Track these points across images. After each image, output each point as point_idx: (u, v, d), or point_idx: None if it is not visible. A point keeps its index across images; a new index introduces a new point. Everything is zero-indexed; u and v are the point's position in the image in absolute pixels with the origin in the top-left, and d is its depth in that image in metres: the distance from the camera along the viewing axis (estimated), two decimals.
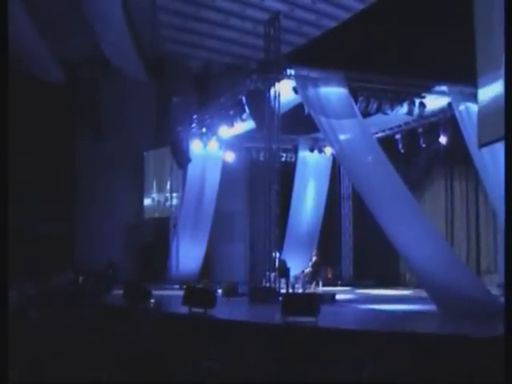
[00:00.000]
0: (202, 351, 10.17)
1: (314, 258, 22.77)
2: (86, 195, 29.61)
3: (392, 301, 20.11)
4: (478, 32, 14.53)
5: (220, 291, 20.43)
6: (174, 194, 27.70)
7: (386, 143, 21.99)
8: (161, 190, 29.00)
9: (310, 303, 14.32)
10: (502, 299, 17.39)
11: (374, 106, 20.22)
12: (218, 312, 15.55)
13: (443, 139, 22.79)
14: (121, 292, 19.04)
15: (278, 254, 20.40)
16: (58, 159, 28.67)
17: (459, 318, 14.32)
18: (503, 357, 7.35)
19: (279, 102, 20.04)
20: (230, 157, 26.83)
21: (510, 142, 8.20)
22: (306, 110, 19.60)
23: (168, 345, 11.25)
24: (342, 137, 19.00)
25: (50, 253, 25.63)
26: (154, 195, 29.46)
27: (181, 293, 17.73)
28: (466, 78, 17.49)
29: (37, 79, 26.63)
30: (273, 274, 19.94)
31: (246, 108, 20.93)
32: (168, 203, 28.13)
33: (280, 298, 17.04)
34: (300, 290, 21.17)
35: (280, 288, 19.75)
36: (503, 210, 19.69)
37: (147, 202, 29.89)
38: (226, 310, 17.15)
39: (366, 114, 20.09)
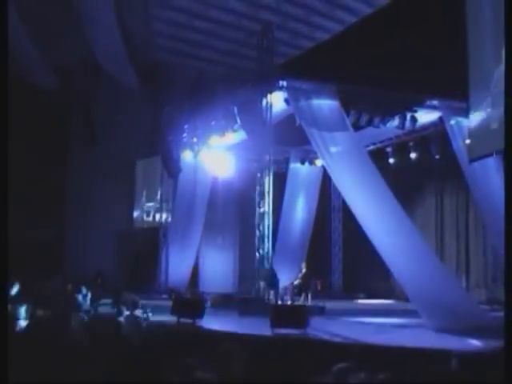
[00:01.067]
0: (192, 362, 10.12)
1: (303, 270, 22.74)
2: (77, 203, 29.50)
3: (382, 313, 20.12)
4: (471, 50, 14.62)
5: (209, 302, 20.40)
6: (164, 204, 27.63)
7: (377, 156, 22.04)
8: (151, 199, 28.93)
9: (299, 315, 14.33)
10: (491, 314, 17.52)
11: (365, 119, 20.29)
12: (207, 323, 15.52)
13: (434, 153, 22.87)
14: (109, 301, 18.99)
15: (267, 266, 20.40)
16: (49, 165, 28.56)
17: (448, 332, 14.34)
18: (503, 367, 7.34)
19: (271, 112, 20.07)
20: (220, 167, 26.79)
21: (510, 148, 8.22)
22: (298, 122, 19.64)
23: (156, 355, 11.19)
24: (332, 149, 19.04)
25: (39, 260, 25.49)
26: (145, 204, 29.38)
27: (169, 303, 17.69)
28: (457, 93, 17.57)
29: (29, 84, 26.56)
30: (262, 286, 19.93)
31: (238, 118, 20.97)
32: (158, 213, 28.07)
33: (269, 310, 17.06)
34: (289, 302, 21.13)
35: (269, 299, 19.73)
36: (493, 225, 19.89)
37: (137, 211, 29.81)
38: (215, 320, 17.11)
39: (357, 126, 20.16)
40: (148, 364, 10.34)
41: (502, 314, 17.85)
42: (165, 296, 23.50)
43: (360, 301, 24.51)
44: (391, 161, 24.60)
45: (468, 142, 16.06)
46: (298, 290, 22.03)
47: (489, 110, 13.72)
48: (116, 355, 10.63)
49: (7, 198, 7.78)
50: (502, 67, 13.08)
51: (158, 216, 28.02)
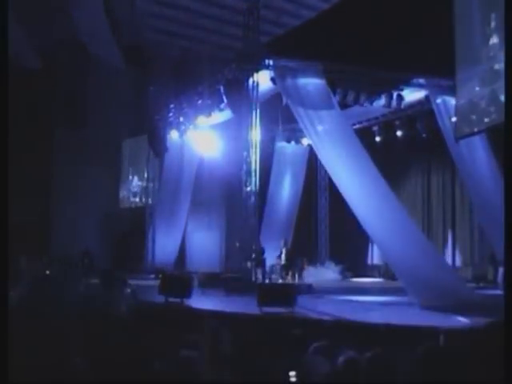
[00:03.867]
0: (180, 340, 10.13)
1: (283, 249, 22.73)
2: (63, 184, 29.37)
3: (368, 291, 20.19)
4: (458, 29, 14.62)
5: (196, 281, 20.39)
6: (151, 184, 27.56)
7: (364, 135, 22.02)
8: (138, 178, 28.84)
9: (287, 294, 14.34)
10: (478, 291, 17.63)
11: (352, 98, 20.33)
12: (195, 302, 15.51)
13: (420, 131, 22.91)
14: (96, 281, 18.95)
15: (254, 244, 20.43)
16: (34, 146, 28.37)
17: (435, 309, 14.39)
18: (504, 358, 7.35)
19: (257, 91, 20.02)
20: (207, 146, 26.77)
21: (510, 146, 8.22)
22: (284, 101, 19.63)
23: (144, 333, 11.20)
24: (319, 127, 19.03)
25: (25, 241, 25.38)
26: (131, 184, 29.30)
27: (156, 282, 17.68)
28: (444, 71, 17.59)
29: (13, 66, 26.29)
30: (249, 264, 19.95)
31: (224, 97, 20.91)
32: (144, 192, 27.99)
33: (256, 288, 17.09)
34: (277, 281, 21.15)
35: (256, 278, 19.76)
36: (480, 202, 19.99)
37: (124, 191, 29.73)
38: (203, 299, 17.10)
39: (343, 105, 20.17)
40: (136, 343, 10.36)
41: (488, 291, 18.08)
42: (152, 276, 23.50)
43: (347, 279, 24.54)
44: (378, 139, 24.63)
45: (454, 120, 16.10)
46: (285, 269, 22.08)
47: (477, 88, 13.74)
48: (104, 334, 10.64)
49: (7, 198, 7.75)
50: (491, 43, 13.12)
51: (144, 196, 27.94)
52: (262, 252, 20.74)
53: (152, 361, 9.55)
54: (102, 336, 10.68)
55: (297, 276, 22.04)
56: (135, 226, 28.14)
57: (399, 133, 23.77)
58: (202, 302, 16.31)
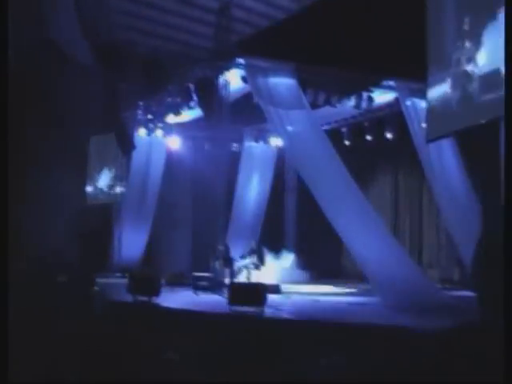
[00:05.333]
0: (150, 339, 10.12)
1: (253, 248, 22.71)
2: (29, 182, 29.04)
3: (336, 293, 20.27)
4: (430, 31, 14.69)
5: (163, 280, 20.33)
6: (118, 181, 27.37)
7: (333, 136, 22.00)
8: (104, 176, 28.62)
9: (257, 293, 14.32)
10: (445, 293, 17.77)
11: (322, 98, 20.35)
12: (163, 300, 15.46)
13: (389, 134, 23.02)
14: (64, 279, 18.82)
15: (221, 244, 20.43)
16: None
17: (403, 310, 14.46)
18: (503, 359, 7.40)
19: (228, 90, 20.00)
20: (175, 144, 26.81)
21: (510, 148, 8.28)
22: (255, 100, 19.63)
23: (112, 331, 11.15)
24: (290, 128, 19.05)
25: None
26: (97, 182, 29.07)
27: (123, 281, 17.58)
28: (414, 74, 17.67)
29: None
30: (217, 263, 19.93)
31: (194, 96, 20.86)
32: (112, 190, 27.79)
33: (224, 288, 17.09)
34: (243, 280, 21.10)
35: (224, 277, 19.74)
36: (447, 206, 20.16)
37: (90, 188, 29.47)
38: (171, 298, 17.05)
39: (314, 105, 20.19)
40: (104, 341, 10.29)
41: (454, 293, 18.26)
42: (118, 274, 23.40)
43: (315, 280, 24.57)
44: (346, 142, 24.72)
45: (425, 122, 16.18)
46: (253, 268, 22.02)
47: (448, 90, 13.80)
48: (72, 331, 10.57)
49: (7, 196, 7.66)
50: (464, 47, 13.20)
51: (111, 193, 27.73)
52: (228, 251, 20.77)
53: (121, 358, 9.51)
54: (70, 333, 10.61)
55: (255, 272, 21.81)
56: (102, 224, 27.90)
57: (368, 135, 23.85)
58: (170, 300, 16.27)
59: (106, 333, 10.46)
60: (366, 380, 8.65)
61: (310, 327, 12.25)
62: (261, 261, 22.07)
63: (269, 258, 23.25)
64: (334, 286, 22.99)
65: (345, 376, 8.60)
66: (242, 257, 22.00)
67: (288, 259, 24.93)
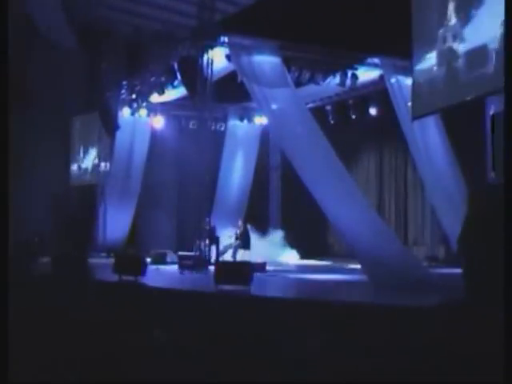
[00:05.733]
0: (136, 319, 10.06)
1: (240, 227, 22.66)
2: (12, 164, 28.80)
3: (321, 271, 20.28)
4: (415, 8, 14.64)
5: (149, 259, 20.30)
6: (102, 161, 27.24)
7: (317, 114, 21.93)
8: (88, 156, 28.48)
9: (243, 272, 14.28)
10: (431, 271, 17.81)
11: (307, 76, 20.32)
12: (149, 280, 15.41)
13: (373, 112, 23.02)
14: (48, 260, 18.76)
15: (208, 222, 20.39)
16: None
17: (389, 288, 14.47)
18: (503, 357, 7.37)
19: (212, 69, 19.91)
20: (159, 124, 26.74)
21: (509, 146, 8.24)
22: (239, 78, 19.56)
23: (99, 311, 11.09)
24: (274, 106, 19.04)
25: None
26: (81, 162, 28.91)
27: (108, 261, 17.53)
28: (399, 51, 17.65)
29: None
30: (203, 243, 19.91)
31: (178, 75, 20.76)
32: (95, 170, 27.65)
33: (210, 267, 17.06)
34: (229, 259, 21.08)
35: (209, 256, 19.73)
36: (432, 184, 20.20)
37: (74, 169, 29.30)
38: (157, 278, 17.04)
39: (298, 83, 20.14)
40: (92, 321, 10.24)
41: (440, 270, 18.29)
42: (103, 254, 23.33)
43: (299, 259, 24.58)
44: (331, 119, 24.66)
45: (410, 99, 16.15)
46: (237, 248, 21.99)
47: (434, 68, 13.77)
48: (60, 311, 10.51)
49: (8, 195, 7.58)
50: (450, 24, 13.16)
51: (95, 174, 27.61)
52: (214, 230, 20.73)
53: (109, 338, 9.45)
54: (59, 314, 10.54)
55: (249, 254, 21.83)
56: (86, 204, 27.79)
57: (352, 113, 23.83)
58: (156, 279, 16.24)
59: (92, 313, 10.40)
60: (353, 359, 8.63)
61: (295, 306, 12.24)
62: (247, 241, 22.01)
63: (255, 237, 23.18)
64: (319, 263, 23.05)
65: (331, 356, 8.58)
66: (236, 238, 21.94)
67: (276, 236, 24.83)
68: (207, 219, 20.52)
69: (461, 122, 18.82)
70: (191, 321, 10.29)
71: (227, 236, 22.05)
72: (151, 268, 18.52)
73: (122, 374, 7.61)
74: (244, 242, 21.94)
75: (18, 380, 6.98)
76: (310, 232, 25.98)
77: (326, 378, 8.15)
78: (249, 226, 23.03)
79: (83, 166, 28.85)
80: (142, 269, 15.75)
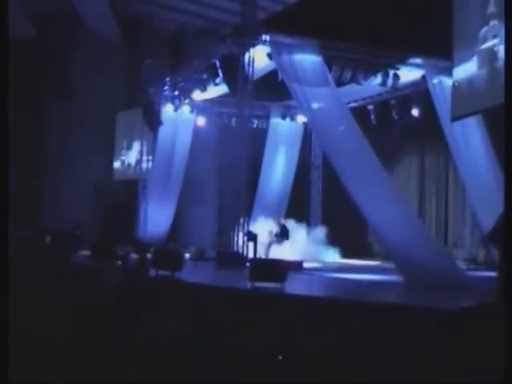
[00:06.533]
0: (169, 313, 10.16)
1: (281, 224, 22.68)
2: (56, 155, 29.22)
3: (359, 270, 20.25)
4: (457, 8, 14.54)
5: (187, 255, 20.44)
6: (145, 157, 27.48)
7: (359, 114, 21.93)
8: (131, 152, 28.76)
9: (278, 269, 14.34)
10: (468, 273, 17.69)
11: (348, 76, 20.30)
12: (185, 275, 15.53)
13: (415, 112, 22.90)
14: (88, 253, 19.03)
15: (246, 220, 20.47)
16: (27, 118, 28.12)
17: (425, 289, 14.42)
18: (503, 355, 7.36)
19: (253, 67, 19.97)
20: (201, 121, 26.90)
21: (510, 141, 8.21)
22: (280, 77, 19.60)
23: (134, 305, 11.22)
24: (314, 105, 19.04)
25: (17, 210, 25.23)
26: (124, 157, 29.23)
27: (148, 256, 17.69)
28: (441, 52, 17.52)
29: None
30: (241, 239, 19.99)
31: (220, 72, 20.87)
32: (138, 165, 27.92)
33: (247, 264, 17.12)
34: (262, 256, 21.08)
35: (248, 253, 19.80)
36: (473, 185, 20.02)
37: (117, 163, 29.66)
38: (194, 273, 17.15)
39: (339, 83, 20.11)
40: (126, 314, 10.38)
41: (479, 273, 18.15)
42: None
43: (338, 258, 24.54)
44: (372, 118, 24.59)
45: (451, 101, 16.06)
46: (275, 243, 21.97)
47: (474, 69, 13.67)
48: (95, 304, 10.66)
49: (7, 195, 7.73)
50: (490, 25, 13.06)
51: (138, 168, 27.87)
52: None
53: (142, 332, 9.57)
54: (93, 307, 10.70)
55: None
56: (128, 199, 28.05)
57: (394, 113, 23.72)
58: (193, 275, 16.35)
59: (125, 306, 10.54)
60: (377, 358, 8.64)
61: (327, 305, 12.26)
62: (286, 233, 22.02)
63: (297, 234, 23.16)
64: (358, 262, 23.00)
65: (357, 354, 8.60)
66: (274, 235, 21.94)
67: (318, 234, 24.77)
68: (246, 217, 20.61)
69: (501, 122, 18.64)
70: (221, 316, 10.38)
71: (267, 233, 22.07)
72: (189, 264, 18.67)
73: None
74: (283, 234, 21.94)
75: (17, 380, 7.08)
76: (349, 231, 25.90)
77: (355, 376, 8.19)
78: (290, 221, 23.12)
79: (126, 161, 29.18)
80: (178, 264, 15.89)
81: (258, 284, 13.88)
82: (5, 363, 6.77)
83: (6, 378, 6.72)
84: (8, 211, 7.92)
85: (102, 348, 8.46)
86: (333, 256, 24.60)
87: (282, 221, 23.08)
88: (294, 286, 14.49)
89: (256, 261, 16.78)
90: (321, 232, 25.05)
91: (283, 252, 20.84)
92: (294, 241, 22.66)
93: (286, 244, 21.96)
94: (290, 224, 23.19)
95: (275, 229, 22.20)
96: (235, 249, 20.10)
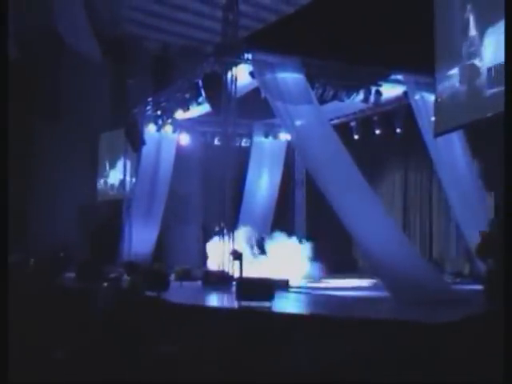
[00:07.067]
0: (160, 335, 10.13)
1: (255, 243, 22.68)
2: (39, 177, 29.11)
3: (345, 288, 20.24)
4: (437, 24, 14.69)
5: (173, 275, 20.38)
6: (128, 177, 27.45)
7: (341, 130, 21.96)
8: (114, 172, 28.73)
9: (265, 288, 14.33)
10: (454, 287, 17.75)
11: (330, 93, 20.33)
12: (172, 295, 15.48)
13: (398, 128, 23.02)
14: (73, 274, 18.94)
15: (231, 238, 20.43)
16: (9, 137, 27.92)
17: (412, 304, 14.44)
18: (503, 357, 7.39)
19: (236, 86, 20.01)
20: (184, 140, 26.92)
21: (509, 143, 8.26)
22: (263, 95, 19.63)
23: (122, 327, 11.16)
24: (298, 122, 19.07)
25: None
26: (108, 177, 29.19)
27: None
28: (422, 68, 17.67)
29: None
30: (226, 258, 19.94)
31: (203, 91, 20.89)
32: (122, 186, 27.88)
33: (234, 283, 17.09)
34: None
35: (233, 272, 19.74)
36: (457, 200, 20.13)
37: (101, 184, 29.61)
38: (180, 293, 17.11)
39: (322, 100, 20.17)
40: (113, 336, 10.32)
41: (464, 286, 18.22)
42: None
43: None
44: (355, 135, 24.71)
45: (433, 116, 16.18)
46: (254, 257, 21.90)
47: (457, 84, 13.80)
48: (82, 327, 10.60)
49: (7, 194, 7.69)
50: (469, 36, 13.20)
51: (121, 189, 27.83)
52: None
53: (131, 354, 9.53)
54: (80, 329, 10.63)
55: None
56: (112, 220, 27.98)
57: (377, 129, 23.85)
58: (179, 295, 16.31)
59: (113, 326, 10.48)
60: (370, 373, 8.65)
61: (316, 322, 12.25)
62: (262, 251, 22.02)
63: (285, 248, 23.08)
64: (344, 279, 22.98)
65: (349, 370, 8.60)
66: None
67: (305, 249, 24.63)
68: (231, 235, 20.57)
69: (485, 138, 18.81)
70: (209, 336, 10.35)
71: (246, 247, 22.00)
72: (175, 284, 18.62)
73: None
74: (260, 249, 21.94)
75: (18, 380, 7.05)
76: (334, 247, 25.93)
77: None
78: (278, 237, 23.11)
79: (110, 181, 29.13)
80: (164, 284, 15.85)
81: (246, 303, 13.86)
82: (5, 363, 6.76)
83: (6, 378, 6.71)
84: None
85: (97, 370, 8.44)
86: (319, 272, 24.53)
87: (259, 236, 23.04)
88: (282, 304, 14.48)
89: (243, 280, 16.75)
90: (306, 248, 24.99)
91: (268, 269, 20.80)
92: (280, 257, 22.58)
93: (271, 261, 21.91)
94: (279, 240, 23.15)
95: (253, 243, 22.22)
96: (221, 268, 20.05)
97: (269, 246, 22.68)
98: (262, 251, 22.08)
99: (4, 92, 7.94)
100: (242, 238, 22.18)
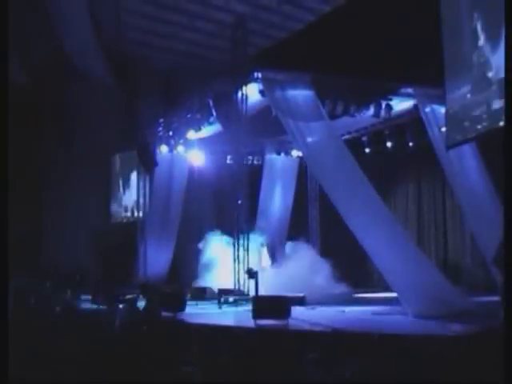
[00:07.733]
0: (178, 356, 10.11)
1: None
2: (53, 199, 29.23)
3: (361, 302, 20.17)
4: (446, 36, 14.66)
5: (188, 294, 20.36)
6: (141, 198, 27.51)
7: (353, 145, 22.02)
8: (128, 194, 28.82)
9: (281, 306, 14.32)
10: (470, 299, 17.63)
11: (341, 109, 20.33)
12: (188, 316, 15.49)
13: (410, 140, 23.00)
14: (88, 297, 18.96)
15: (246, 256, 20.44)
16: (22, 162, 28.13)
17: (429, 318, 14.38)
18: (503, 360, 7.35)
19: (246, 104, 20.06)
20: (196, 160, 26.94)
21: (509, 145, 8.24)
22: (274, 113, 19.64)
23: (141, 349, 11.16)
24: (309, 139, 19.05)
25: (16, 255, 25.12)
26: (122, 199, 29.28)
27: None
28: (432, 80, 17.63)
29: None
30: (241, 277, 19.95)
31: (213, 111, 20.95)
32: (135, 207, 27.95)
33: (249, 301, 17.06)
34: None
35: (249, 291, 19.72)
36: (471, 211, 20.04)
37: (114, 206, 29.71)
38: (196, 313, 17.09)
39: (332, 116, 20.17)
40: (134, 359, 10.31)
41: (480, 298, 18.10)
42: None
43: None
44: (367, 150, 24.70)
45: (444, 128, 16.13)
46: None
47: (468, 95, 13.77)
48: (100, 350, 10.60)
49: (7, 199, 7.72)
50: (479, 45, 13.17)
51: (135, 210, 27.90)
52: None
53: (149, 376, 9.51)
54: (96, 352, 10.63)
55: None
56: (126, 241, 28.02)
57: (388, 143, 23.84)
58: (195, 315, 16.29)
59: (128, 349, 10.47)
60: None
61: (333, 339, 12.21)
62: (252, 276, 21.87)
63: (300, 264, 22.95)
64: (360, 294, 22.90)
65: None
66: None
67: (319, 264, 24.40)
68: (246, 253, 20.57)
69: (498, 149, 18.72)
70: (226, 356, 10.32)
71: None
72: (191, 303, 18.60)
73: None
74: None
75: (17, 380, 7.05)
76: (349, 262, 25.83)
77: None
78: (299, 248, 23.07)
79: (123, 203, 29.21)
80: (180, 304, 15.86)
81: (262, 322, 13.84)
82: (5, 363, 6.76)
83: (6, 378, 6.70)
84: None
85: None
86: (334, 287, 24.44)
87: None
88: (298, 321, 14.44)
89: (258, 298, 16.73)
90: (321, 263, 24.90)
91: (284, 286, 20.74)
92: (295, 273, 22.50)
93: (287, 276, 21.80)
94: (297, 253, 23.09)
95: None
96: (236, 287, 20.04)
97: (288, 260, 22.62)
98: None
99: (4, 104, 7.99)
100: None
